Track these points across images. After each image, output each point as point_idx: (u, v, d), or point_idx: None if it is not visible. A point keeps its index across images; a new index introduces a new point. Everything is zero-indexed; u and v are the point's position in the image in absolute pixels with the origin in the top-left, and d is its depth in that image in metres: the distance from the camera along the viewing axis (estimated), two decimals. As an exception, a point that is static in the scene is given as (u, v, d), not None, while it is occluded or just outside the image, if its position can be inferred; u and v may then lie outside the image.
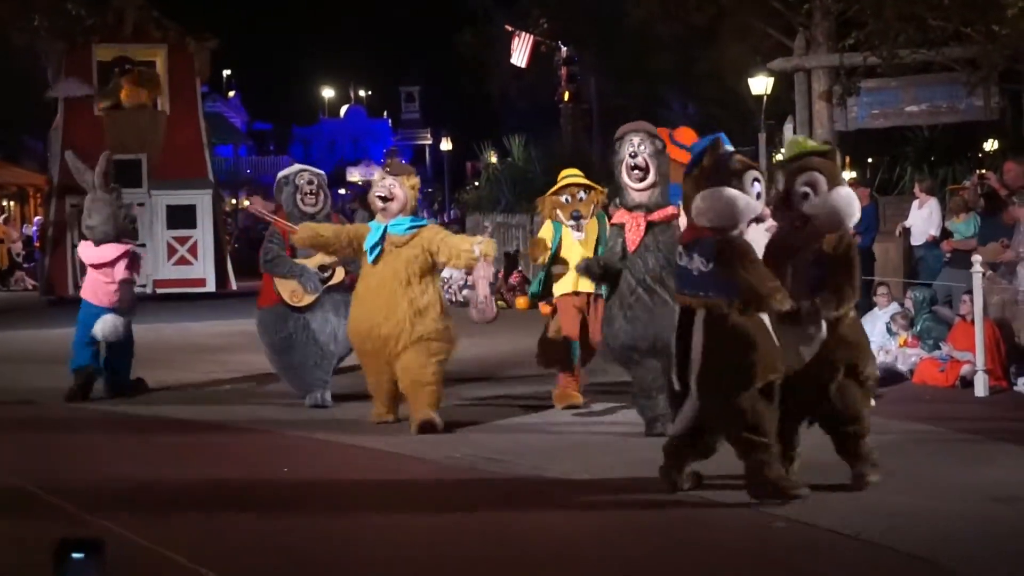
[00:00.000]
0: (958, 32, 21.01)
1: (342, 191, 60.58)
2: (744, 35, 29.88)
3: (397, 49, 78.14)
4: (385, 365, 10.68)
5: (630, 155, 10.37)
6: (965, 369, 12.56)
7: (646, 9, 31.91)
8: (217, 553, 6.98)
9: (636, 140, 10.45)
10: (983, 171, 21.26)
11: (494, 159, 42.12)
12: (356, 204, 33.88)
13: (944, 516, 7.50)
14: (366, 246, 10.75)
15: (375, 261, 10.72)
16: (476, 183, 41.91)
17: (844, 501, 7.90)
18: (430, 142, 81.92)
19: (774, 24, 28.22)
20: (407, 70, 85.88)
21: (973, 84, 22.29)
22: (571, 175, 12.09)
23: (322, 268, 12.08)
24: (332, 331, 12.00)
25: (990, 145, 33.80)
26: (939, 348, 13.20)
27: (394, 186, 10.78)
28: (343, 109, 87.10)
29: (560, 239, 11.69)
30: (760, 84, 28.60)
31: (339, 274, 12.10)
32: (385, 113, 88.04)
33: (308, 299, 12.04)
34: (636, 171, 10.38)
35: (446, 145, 64.30)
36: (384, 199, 10.78)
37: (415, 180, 11.05)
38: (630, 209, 10.48)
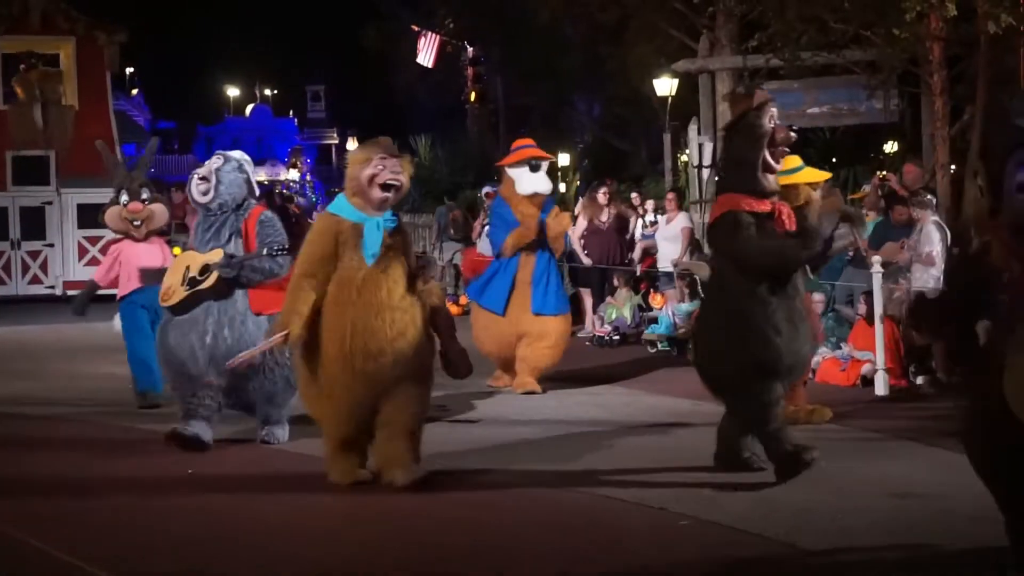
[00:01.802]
0: (858, 35, 21.25)
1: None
2: (649, 36, 30.08)
3: (303, 48, 77.65)
4: (374, 397, 8.34)
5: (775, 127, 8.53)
6: (866, 368, 12.73)
7: (551, 9, 32.04)
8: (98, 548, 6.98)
9: (775, 111, 8.59)
10: (884, 173, 21.54)
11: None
12: (263, 204, 33.66)
13: (845, 512, 7.60)
14: (366, 251, 8.34)
15: (375, 263, 8.39)
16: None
17: (746, 499, 7.99)
18: (336, 142, 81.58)
19: (678, 26, 28.46)
20: (313, 69, 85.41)
21: (873, 87, 22.60)
22: None
23: (203, 269, 9.98)
24: (191, 348, 9.87)
25: (890, 147, 34.29)
26: (840, 348, 13.36)
27: (401, 171, 8.46)
28: (248, 108, 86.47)
29: None
30: (665, 85, 28.81)
31: (211, 279, 9.92)
32: (291, 112, 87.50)
33: (176, 298, 10.01)
34: (784, 149, 8.63)
35: (352, 145, 64.06)
36: (389, 187, 8.40)
37: (409, 165, 8.69)
38: (766, 196, 8.52)
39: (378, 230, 8.35)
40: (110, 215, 12.30)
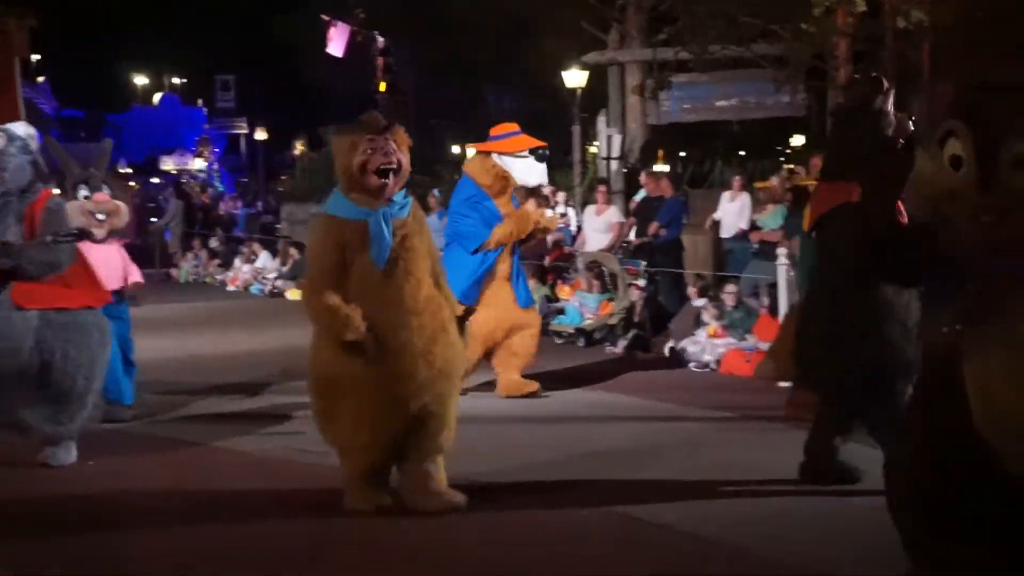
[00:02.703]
0: (767, 30, 21.48)
1: (155, 180, 59.50)
2: (560, 29, 30.11)
3: (213, 36, 76.86)
4: (408, 421, 7.32)
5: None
6: (771, 359, 12.83)
7: (462, 0, 32.02)
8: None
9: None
10: (791, 166, 21.74)
11: (300, 148, 41.89)
12: (171, 193, 33.35)
13: (745, 502, 7.68)
14: (372, 254, 7.18)
15: (387, 268, 7.23)
16: (292, 173, 41.61)
17: (648, 489, 8.00)
18: (246, 131, 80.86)
19: (589, 18, 28.52)
20: (223, 58, 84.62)
21: (781, 81, 22.86)
22: None
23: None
24: (62, 355, 8.70)
25: (797, 140, 34.60)
26: (746, 339, 13.46)
27: (394, 150, 7.24)
28: (157, 97, 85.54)
29: None
30: (575, 77, 28.83)
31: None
32: (200, 101, 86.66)
33: None
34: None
35: (261, 135, 63.61)
36: (386, 172, 7.22)
37: (407, 138, 7.51)
38: None
39: (385, 224, 7.14)
40: (70, 210, 10.84)
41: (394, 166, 7.14)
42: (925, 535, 5.12)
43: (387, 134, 7.18)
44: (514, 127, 12.40)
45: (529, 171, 12.08)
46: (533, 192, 18.38)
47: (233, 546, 6.91)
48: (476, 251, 11.80)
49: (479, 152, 12.33)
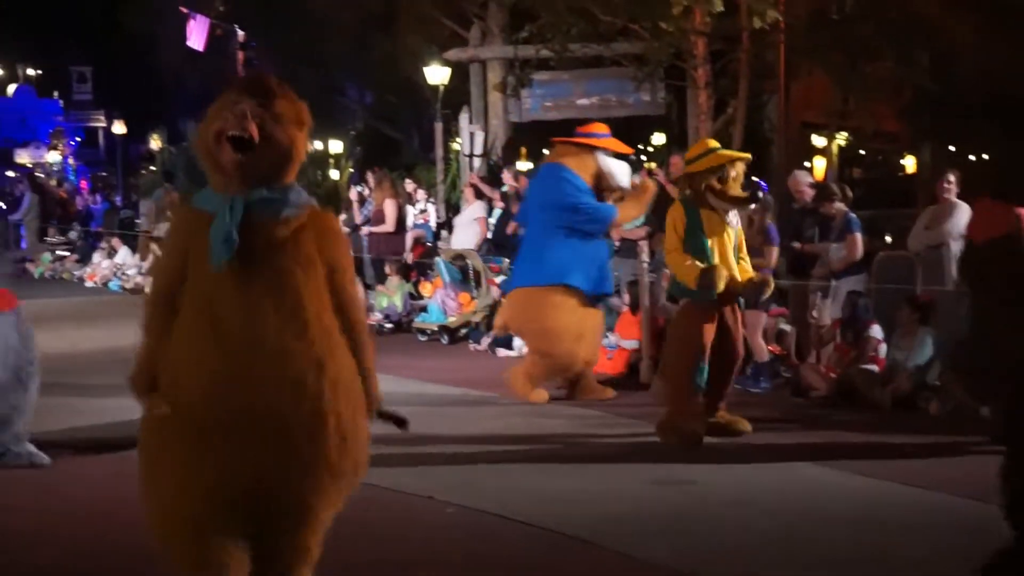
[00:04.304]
0: (627, 28, 21.66)
1: (10, 173, 58.35)
2: (420, 24, 30.10)
3: (68, 26, 75.52)
4: (242, 512, 4.94)
5: None
6: (632, 357, 12.96)
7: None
8: None
9: None
10: (651, 165, 21.99)
11: (157, 143, 41.39)
12: (25, 186, 32.70)
13: (607, 499, 7.75)
14: (212, 254, 4.83)
15: (231, 267, 4.85)
16: (151, 167, 41.05)
17: (508, 486, 8.09)
18: (104, 124, 79.58)
19: (450, 14, 28.56)
20: (79, 49, 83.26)
21: (640, 79, 23.06)
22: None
23: None
24: None
25: (658, 139, 34.98)
26: (607, 337, 13.56)
27: (256, 116, 4.87)
28: (11, 88, 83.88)
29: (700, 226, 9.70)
30: (437, 74, 28.85)
31: None
32: (56, 93, 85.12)
33: None
34: None
35: (120, 128, 62.67)
36: (238, 142, 4.84)
37: (302, 107, 5.12)
38: None
39: (230, 216, 4.84)
40: None
41: (244, 136, 4.81)
42: None
43: (262, 98, 4.90)
44: (607, 128, 11.95)
45: (624, 173, 11.68)
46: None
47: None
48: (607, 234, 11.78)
49: (574, 146, 11.72)
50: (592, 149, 11.53)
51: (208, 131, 4.92)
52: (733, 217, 9.75)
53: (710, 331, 9.51)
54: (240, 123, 4.80)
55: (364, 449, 5.11)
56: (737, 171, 9.60)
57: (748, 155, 9.96)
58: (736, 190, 9.59)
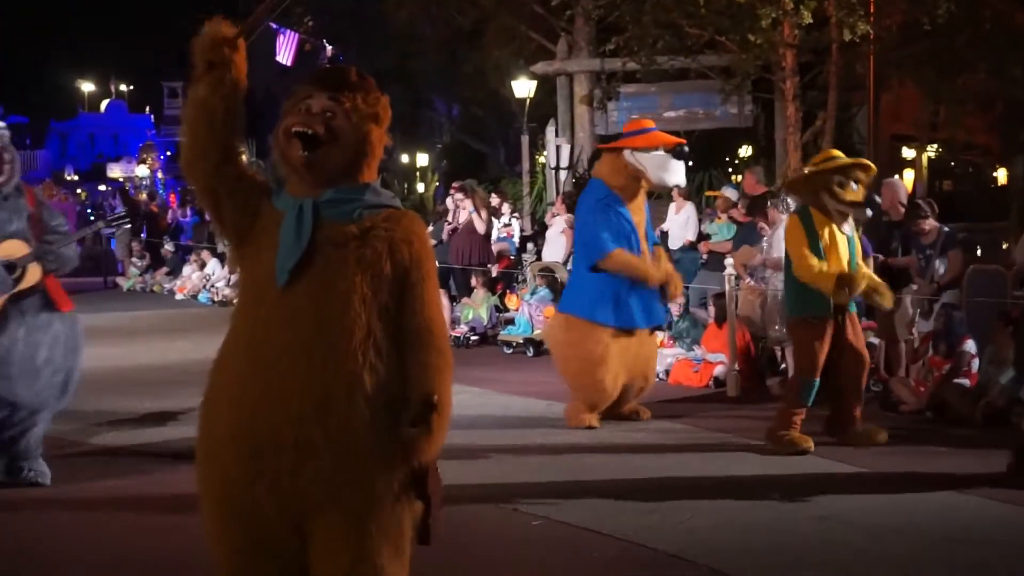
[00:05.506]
0: (714, 41, 21.59)
1: (102, 187, 59.13)
2: (508, 38, 30.17)
3: (161, 42, 76.48)
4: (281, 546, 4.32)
5: None
6: (718, 370, 12.86)
7: (408, 11, 31.98)
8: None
9: None
10: (740, 179, 21.87)
11: (245, 157, 41.67)
12: (117, 200, 33.13)
13: (696, 514, 7.65)
14: (279, 259, 4.29)
15: (290, 287, 4.27)
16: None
17: (598, 500, 8.01)
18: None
19: (537, 28, 28.59)
20: (171, 64, 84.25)
21: (728, 92, 22.96)
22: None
23: (8, 267, 8.04)
24: (20, 365, 8.05)
25: (744, 151, 34.80)
26: (693, 350, 13.49)
27: (325, 109, 4.40)
28: (104, 103, 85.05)
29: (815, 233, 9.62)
30: (523, 87, 28.89)
31: (33, 274, 8.11)
32: (148, 109, 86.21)
33: None
34: None
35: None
36: (305, 139, 4.35)
37: (378, 101, 4.57)
38: None
39: (300, 221, 4.33)
40: None
41: (308, 132, 4.32)
42: None
43: (334, 92, 4.41)
44: (648, 123, 11.29)
45: (664, 168, 10.75)
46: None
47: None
48: (593, 269, 10.69)
49: (608, 152, 11.23)
50: (619, 150, 10.90)
51: (279, 128, 4.47)
52: (847, 227, 9.70)
53: (822, 349, 9.53)
54: (311, 119, 4.35)
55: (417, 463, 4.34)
56: (859, 180, 9.58)
57: (873, 167, 9.92)
58: (854, 195, 9.55)
